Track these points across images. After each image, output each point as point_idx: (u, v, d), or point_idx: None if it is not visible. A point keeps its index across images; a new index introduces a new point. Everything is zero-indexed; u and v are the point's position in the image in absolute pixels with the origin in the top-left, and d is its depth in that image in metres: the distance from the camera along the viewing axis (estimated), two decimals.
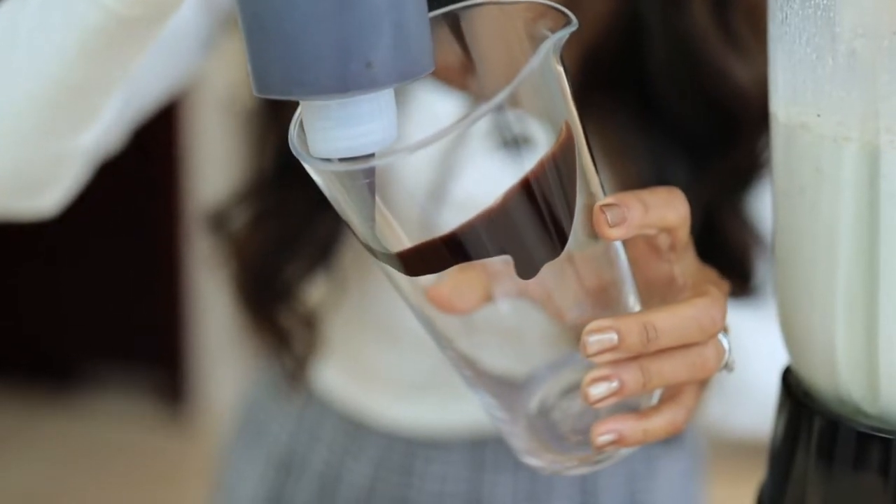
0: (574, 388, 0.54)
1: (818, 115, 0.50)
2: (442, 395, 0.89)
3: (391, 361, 0.90)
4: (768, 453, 0.57)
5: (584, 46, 0.81)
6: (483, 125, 0.46)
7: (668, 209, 0.52)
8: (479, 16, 0.52)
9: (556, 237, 0.49)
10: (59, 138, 0.69)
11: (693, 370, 0.52)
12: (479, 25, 0.52)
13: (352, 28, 0.43)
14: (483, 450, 0.91)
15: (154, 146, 2.63)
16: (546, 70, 0.47)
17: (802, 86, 0.51)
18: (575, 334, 0.53)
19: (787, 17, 0.51)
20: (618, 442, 0.52)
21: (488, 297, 0.53)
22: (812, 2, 0.49)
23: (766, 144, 0.78)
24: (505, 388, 0.54)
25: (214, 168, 2.53)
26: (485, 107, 0.44)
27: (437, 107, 0.53)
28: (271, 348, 0.92)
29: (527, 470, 0.90)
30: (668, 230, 0.53)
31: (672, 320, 0.51)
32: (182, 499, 2.38)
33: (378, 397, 0.92)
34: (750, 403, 0.80)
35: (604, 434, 0.51)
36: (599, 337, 0.50)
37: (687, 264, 0.56)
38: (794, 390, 0.56)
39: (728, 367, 0.54)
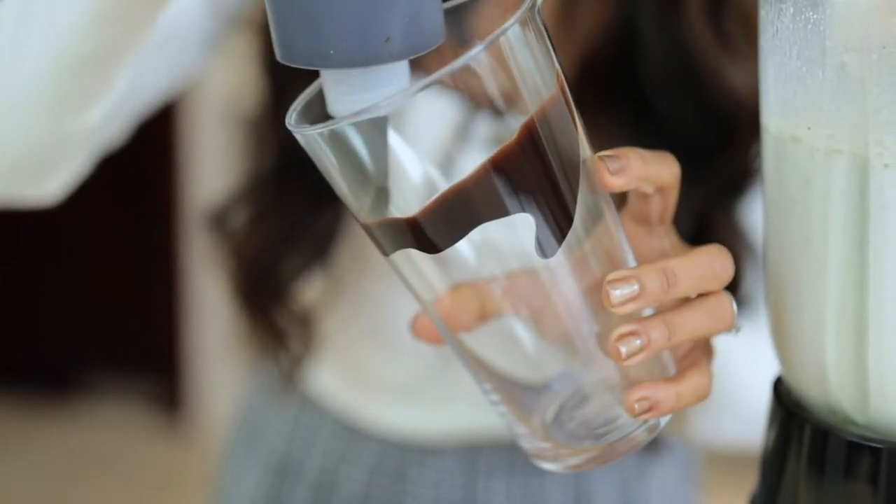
0: (585, 397, 0.55)
1: (809, 128, 0.51)
2: (435, 400, 0.90)
3: (384, 363, 0.91)
4: (760, 462, 0.58)
5: (580, 55, 0.82)
6: (484, 129, 0.47)
7: (663, 166, 0.53)
8: (477, 13, 0.53)
9: (568, 184, 0.49)
10: (70, 113, 0.69)
11: (714, 320, 0.53)
12: (477, 23, 0.53)
13: (371, 5, 0.47)
14: (477, 456, 0.91)
15: (151, 152, 2.63)
16: (527, 28, 0.48)
17: (793, 99, 0.51)
18: (574, 346, 0.54)
19: (777, 31, 0.51)
20: (653, 408, 0.51)
21: (483, 317, 0.54)
22: (802, 16, 0.50)
23: (759, 151, 0.79)
24: (518, 398, 0.55)
25: (212, 175, 2.54)
26: (467, 54, 0.46)
27: (436, 105, 0.54)
28: (267, 348, 0.92)
29: (521, 476, 0.90)
30: (662, 189, 0.54)
31: (688, 264, 0.52)
32: None
33: (372, 400, 0.92)
34: (735, 416, 0.81)
35: (639, 401, 0.51)
36: (622, 288, 0.50)
37: (674, 240, 0.57)
38: (784, 400, 0.56)
39: (736, 326, 0.55)
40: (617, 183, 0.51)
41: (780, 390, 0.57)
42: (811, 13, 0.50)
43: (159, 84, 0.80)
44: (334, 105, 0.49)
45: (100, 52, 0.64)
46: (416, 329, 0.58)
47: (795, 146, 0.51)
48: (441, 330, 0.55)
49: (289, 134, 0.51)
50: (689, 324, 0.52)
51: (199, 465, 2.03)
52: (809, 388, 0.54)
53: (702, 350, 0.56)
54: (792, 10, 0.50)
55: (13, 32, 0.66)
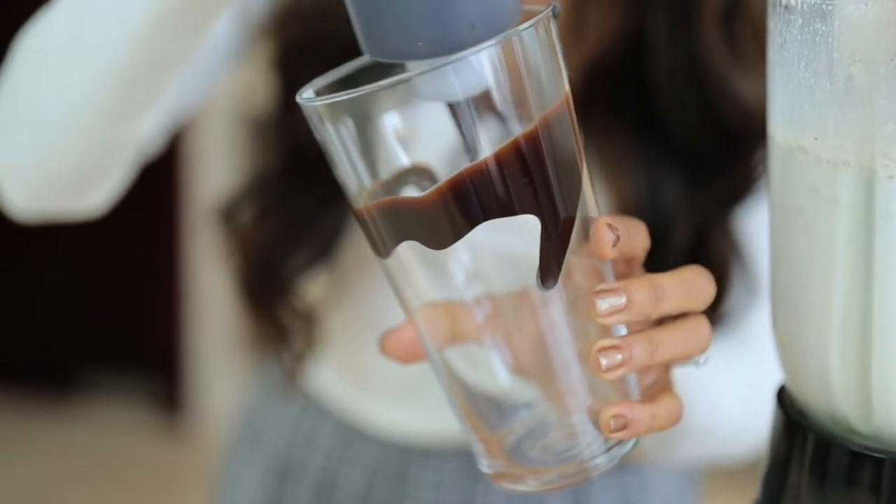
0: (549, 423, 0.55)
1: (815, 139, 0.51)
2: (436, 402, 0.89)
3: (386, 363, 0.90)
4: (762, 471, 0.58)
5: (587, 61, 0.82)
6: (490, 137, 0.49)
7: (638, 240, 0.53)
8: None
9: (563, 195, 0.50)
10: (122, 124, 0.70)
11: (692, 342, 0.53)
12: None
13: None
14: None
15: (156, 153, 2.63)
16: (541, 35, 0.49)
17: (800, 109, 0.51)
18: (544, 372, 0.54)
19: (785, 42, 0.52)
20: (628, 426, 0.51)
21: (454, 339, 0.54)
22: (811, 27, 0.50)
23: (762, 160, 0.79)
24: (483, 417, 0.55)
25: (216, 175, 2.54)
26: (481, 45, 0.47)
27: (442, 113, 0.55)
28: (270, 344, 0.92)
29: None
30: (629, 259, 0.54)
31: (675, 280, 0.52)
32: None
33: (373, 401, 0.93)
34: (695, 438, 0.80)
35: (615, 417, 0.51)
36: (609, 299, 0.50)
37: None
38: (788, 409, 0.56)
39: (706, 354, 0.55)
40: (613, 255, 0.51)
41: (784, 399, 0.57)
42: (819, 25, 0.50)
43: (194, 94, 0.81)
44: (425, 91, 0.49)
45: (156, 59, 0.65)
46: (386, 346, 0.58)
47: (802, 156, 0.51)
48: (423, 340, 0.55)
49: (298, 133, 0.51)
50: (671, 343, 0.52)
51: (199, 465, 2.03)
52: (813, 397, 0.54)
53: (667, 378, 0.56)
54: (800, 21, 0.50)
55: (66, 45, 0.67)
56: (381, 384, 0.92)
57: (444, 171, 0.51)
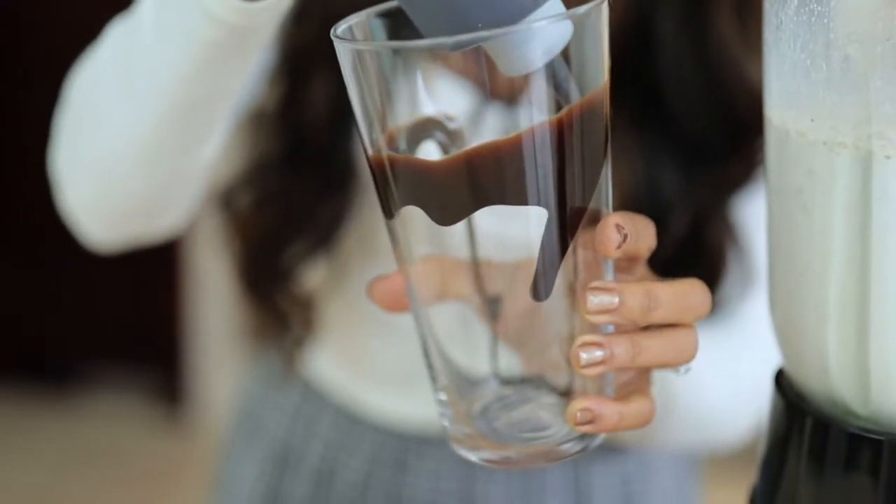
0: (520, 399, 0.55)
1: (812, 120, 0.51)
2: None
3: (386, 351, 0.91)
4: (760, 454, 0.58)
5: None
6: (495, 120, 0.50)
7: (644, 241, 0.53)
8: None
9: (583, 184, 0.49)
10: (182, 155, 0.72)
11: (678, 352, 0.53)
12: None
13: None
14: None
15: None
16: (595, 22, 0.49)
17: (797, 91, 0.51)
18: (527, 348, 0.54)
19: (781, 23, 0.51)
20: (594, 421, 0.51)
21: (443, 296, 0.54)
22: (807, 8, 0.50)
23: (761, 146, 0.79)
24: (456, 380, 0.55)
25: (217, 168, 2.53)
26: (537, 20, 0.47)
27: (453, 99, 0.55)
28: (269, 331, 0.93)
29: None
30: (633, 258, 0.54)
31: (671, 293, 0.52)
32: (179, 500, 2.39)
33: (372, 389, 0.93)
34: (681, 424, 0.80)
35: (582, 411, 0.51)
36: (601, 297, 0.50)
37: (643, 274, 0.56)
38: (786, 392, 0.56)
39: (690, 364, 0.55)
40: (616, 255, 0.51)
41: (782, 382, 0.57)
42: (815, 5, 0.50)
43: (239, 108, 0.82)
44: (509, 67, 0.49)
45: (205, 96, 0.66)
46: (373, 291, 0.58)
47: (799, 138, 0.51)
48: (410, 295, 0.55)
49: (301, 123, 0.51)
50: (655, 350, 0.52)
51: (199, 457, 2.03)
52: (811, 380, 0.54)
53: (645, 379, 0.56)
54: (796, 2, 0.50)
55: (116, 90, 0.68)
56: (379, 372, 0.92)
57: (464, 130, 0.51)
